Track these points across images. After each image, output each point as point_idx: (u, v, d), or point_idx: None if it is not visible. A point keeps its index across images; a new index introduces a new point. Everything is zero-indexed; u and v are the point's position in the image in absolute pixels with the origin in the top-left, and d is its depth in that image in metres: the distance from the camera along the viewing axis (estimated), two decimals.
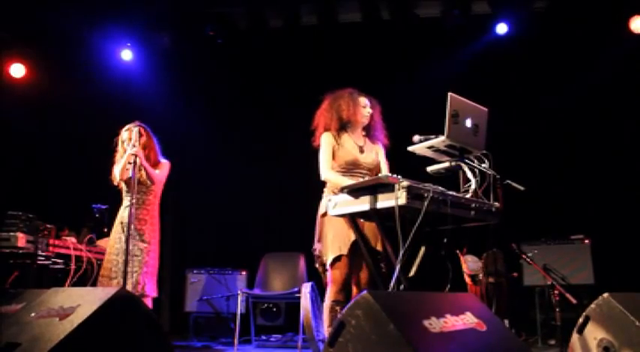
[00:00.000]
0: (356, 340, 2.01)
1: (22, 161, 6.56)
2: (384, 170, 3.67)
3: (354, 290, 3.52)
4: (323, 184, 3.66)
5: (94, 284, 4.70)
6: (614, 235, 5.73)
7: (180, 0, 6.48)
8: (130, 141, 4.28)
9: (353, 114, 3.63)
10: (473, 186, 3.09)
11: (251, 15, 6.60)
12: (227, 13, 6.63)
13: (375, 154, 3.71)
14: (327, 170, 3.56)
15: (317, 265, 3.62)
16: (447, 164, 3.19)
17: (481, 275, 5.36)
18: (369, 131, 3.76)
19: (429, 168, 3.23)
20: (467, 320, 2.23)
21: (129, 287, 4.08)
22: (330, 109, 3.68)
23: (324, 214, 3.48)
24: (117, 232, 4.31)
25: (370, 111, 3.71)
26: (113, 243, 4.31)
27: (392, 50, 6.59)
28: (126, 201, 4.35)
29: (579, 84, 6.11)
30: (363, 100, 3.71)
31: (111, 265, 4.23)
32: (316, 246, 3.59)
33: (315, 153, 3.64)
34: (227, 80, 6.97)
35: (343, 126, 3.66)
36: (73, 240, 4.89)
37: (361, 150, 3.64)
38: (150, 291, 4.26)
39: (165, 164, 4.52)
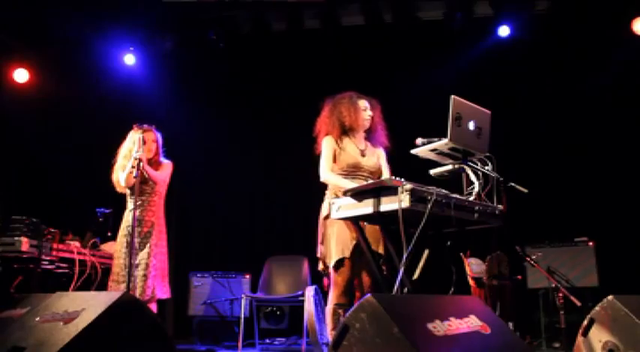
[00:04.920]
0: (360, 343, 2.01)
1: (25, 165, 6.57)
2: (386, 173, 3.69)
3: (357, 293, 3.52)
4: (325, 187, 3.66)
5: (98, 289, 4.71)
6: (618, 237, 5.72)
7: (183, 4, 6.49)
8: (137, 148, 4.25)
9: (354, 120, 3.64)
10: (476, 189, 3.08)
11: (254, 19, 6.61)
12: (230, 17, 6.64)
13: (377, 158, 3.72)
14: (326, 171, 3.57)
15: (320, 268, 3.62)
16: (450, 167, 3.19)
17: (485, 277, 5.35)
18: (370, 134, 3.76)
19: (433, 171, 3.22)
20: (471, 323, 2.23)
21: (137, 292, 4.08)
22: (331, 116, 3.69)
23: (326, 217, 3.49)
24: (123, 236, 4.30)
25: (370, 113, 3.70)
26: (120, 247, 4.28)
27: (394, 53, 6.60)
28: (130, 204, 4.33)
29: (582, 86, 6.10)
30: (363, 103, 3.70)
31: (119, 269, 4.21)
32: (319, 248, 3.59)
33: (318, 157, 3.64)
34: (230, 84, 6.98)
35: (345, 132, 3.67)
36: (77, 244, 4.90)
37: (363, 154, 3.65)
38: (160, 294, 4.24)
39: (167, 164, 4.51)
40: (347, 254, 3.41)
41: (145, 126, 4.44)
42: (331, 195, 3.57)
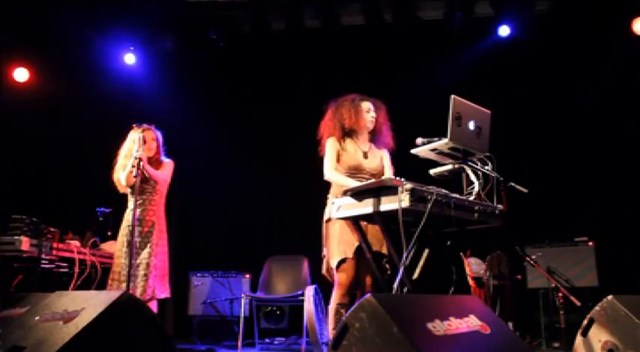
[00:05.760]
0: (360, 343, 2.01)
1: (25, 165, 6.57)
2: (389, 175, 3.68)
3: (358, 293, 3.52)
4: (327, 189, 3.66)
5: (98, 288, 4.71)
6: (618, 237, 5.71)
7: (183, 3, 6.50)
8: (138, 147, 4.25)
9: (355, 122, 3.64)
10: (476, 189, 3.09)
11: (254, 18, 6.60)
12: (230, 16, 6.64)
13: (380, 159, 3.72)
14: (330, 170, 3.58)
15: (324, 271, 3.62)
16: (450, 166, 3.19)
17: (485, 277, 5.35)
18: (374, 135, 3.77)
19: (433, 171, 3.23)
20: (471, 323, 2.23)
21: (138, 292, 4.07)
22: (333, 119, 3.70)
23: (329, 219, 3.50)
24: (124, 235, 4.29)
25: (374, 115, 3.71)
26: (121, 246, 4.28)
27: (395, 53, 6.59)
28: (131, 203, 4.33)
29: (582, 86, 6.09)
30: (366, 105, 3.70)
31: (120, 269, 4.21)
32: (325, 251, 3.60)
33: (319, 158, 3.65)
34: (230, 83, 6.98)
35: (348, 133, 3.68)
36: (77, 243, 4.90)
37: (365, 156, 3.65)
38: (160, 293, 4.23)
39: (168, 163, 4.50)
40: (349, 254, 3.41)
41: (145, 125, 4.45)
42: (333, 197, 3.57)
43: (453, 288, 3.24)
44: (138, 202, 4.22)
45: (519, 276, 5.64)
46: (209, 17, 6.59)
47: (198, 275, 6.27)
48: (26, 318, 2.60)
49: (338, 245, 3.44)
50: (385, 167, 3.73)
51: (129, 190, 4.36)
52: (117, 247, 4.33)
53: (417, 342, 1.91)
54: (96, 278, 4.81)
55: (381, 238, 3.43)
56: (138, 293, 4.07)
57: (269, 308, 6.21)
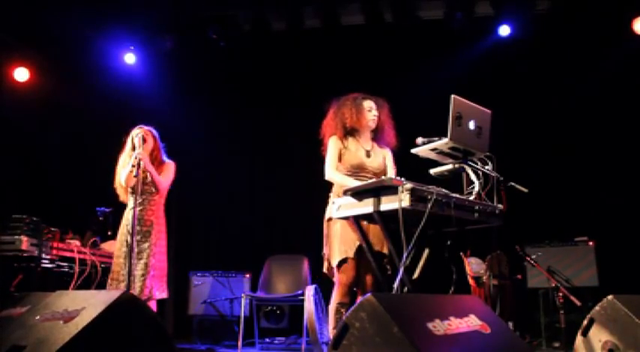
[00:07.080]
0: (360, 342, 2.01)
1: (25, 164, 6.57)
2: (391, 174, 3.68)
3: (359, 292, 3.52)
4: (329, 188, 3.66)
5: (98, 287, 4.71)
6: (618, 237, 5.71)
7: (183, 3, 6.50)
8: (138, 146, 4.25)
9: (357, 121, 3.64)
10: (476, 188, 3.09)
11: (254, 18, 6.60)
12: (230, 16, 6.64)
13: (382, 158, 3.72)
14: (331, 170, 3.58)
15: (325, 269, 3.62)
16: (450, 166, 3.19)
17: (485, 277, 5.35)
18: (377, 134, 3.76)
19: (433, 171, 3.23)
20: (471, 323, 2.23)
21: (136, 291, 4.07)
22: (334, 118, 3.70)
23: (330, 219, 3.50)
24: (123, 235, 4.28)
25: (376, 114, 3.70)
26: (120, 245, 4.27)
27: (395, 52, 6.59)
28: (131, 203, 4.32)
29: (582, 85, 6.09)
30: (368, 104, 3.69)
31: (119, 268, 4.20)
32: (325, 250, 3.60)
33: (320, 157, 3.65)
34: (230, 83, 6.98)
35: (350, 132, 3.68)
36: (77, 243, 4.90)
37: (368, 154, 3.65)
38: (158, 294, 4.23)
39: (170, 165, 4.49)
40: (350, 254, 3.41)
41: (141, 126, 4.44)
42: (335, 196, 3.57)
43: (453, 288, 3.24)
44: (137, 201, 4.22)
45: (519, 276, 5.64)
46: (209, 17, 6.59)
47: (199, 274, 6.27)
48: (26, 318, 2.60)
49: (339, 244, 3.44)
50: (388, 166, 3.73)
51: (130, 189, 4.35)
52: (116, 246, 4.33)
53: (417, 342, 1.91)
54: (96, 277, 4.81)
55: (382, 238, 3.43)
56: (135, 293, 4.06)
57: (269, 307, 6.21)
